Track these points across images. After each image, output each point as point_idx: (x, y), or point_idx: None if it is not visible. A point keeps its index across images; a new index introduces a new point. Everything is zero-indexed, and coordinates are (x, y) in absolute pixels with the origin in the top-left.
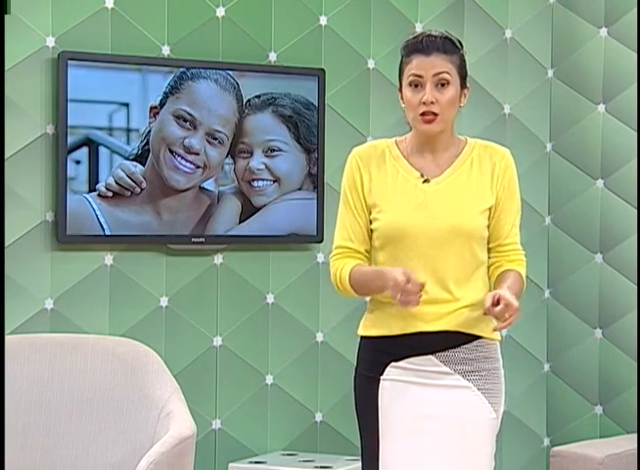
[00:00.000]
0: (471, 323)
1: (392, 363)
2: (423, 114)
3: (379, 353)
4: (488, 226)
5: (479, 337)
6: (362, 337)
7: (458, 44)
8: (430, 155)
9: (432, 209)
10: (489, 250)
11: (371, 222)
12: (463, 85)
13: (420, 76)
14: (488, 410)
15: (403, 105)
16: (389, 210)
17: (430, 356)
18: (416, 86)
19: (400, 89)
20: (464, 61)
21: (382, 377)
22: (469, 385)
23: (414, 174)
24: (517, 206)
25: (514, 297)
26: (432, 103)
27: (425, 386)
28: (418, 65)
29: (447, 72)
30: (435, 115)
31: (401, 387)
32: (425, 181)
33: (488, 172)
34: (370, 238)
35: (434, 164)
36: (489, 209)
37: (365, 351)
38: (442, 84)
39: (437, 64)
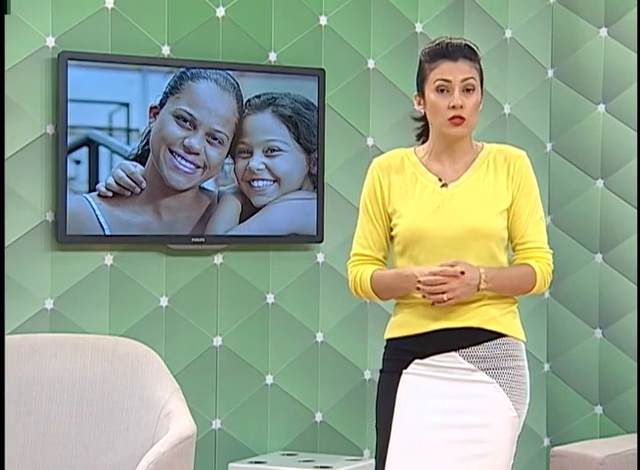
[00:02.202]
0: (493, 320)
1: (417, 360)
2: (452, 118)
3: (403, 352)
4: (508, 227)
5: (502, 335)
6: (387, 340)
7: (477, 52)
8: (448, 160)
9: (449, 211)
10: (512, 250)
11: (392, 229)
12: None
13: (448, 81)
14: (509, 407)
15: (422, 110)
16: (408, 214)
17: (453, 353)
18: (442, 91)
19: (421, 95)
20: (482, 68)
21: (404, 371)
22: (492, 381)
23: (432, 179)
24: (534, 206)
25: (467, 271)
26: (461, 107)
27: (446, 380)
28: (446, 70)
29: (473, 78)
30: (463, 119)
31: (422, 381)
32: (443, 186)
33: (504, 173)
34: (388, 245)
35: (452, 170)
36: (507, 209)
37: (389, 351)
38: (468, 89)
39: (465, 69)
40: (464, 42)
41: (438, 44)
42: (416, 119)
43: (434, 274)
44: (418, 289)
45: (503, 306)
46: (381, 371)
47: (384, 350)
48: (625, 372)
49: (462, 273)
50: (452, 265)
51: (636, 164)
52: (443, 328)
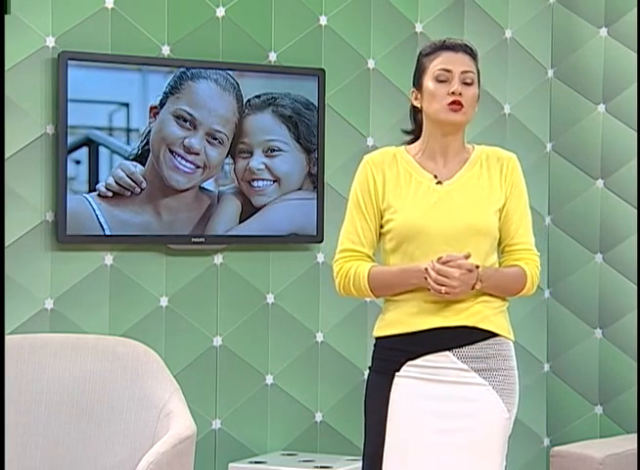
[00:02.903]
0: (487, 320)
1: (409, 362)
2: (451, 103)
3: (395, 352)
4: (499, 227)
5: (495, 334)
6: (377, 338)
7: (476, 52)
8: (441, 159)
9: (446, 208)
10: (501, 251)
11: (382, 226)
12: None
13: (448, 71)
14: (502, 409)
15: (419, 104)
16: (404, 209)
17: (447, 353)
18: (441, 81)
19: (419, 88)
20: (479, 70)
21: (397, 374)
22: (484, 383)
23: (427, 176)
24: (524, 207)
25: (469, 272)
26: (460, 94)
27: (440, 382)
28: (446, 59)
29: (472, 73)
30: (461, 106)
31: (415, 383)
32: (438, 183)
33: (497, 173)
34: (377, 242)
35: (446, 168)
36: (500, 209)
37: (380, 350)
38: (467, 83)
39: (465, 62)
40: (465, 42)
41: (439, 40)
42: (407, 132)
43: (449, 261)
44: (426, 270)
45: (496, 306)
46: (370, 369)
47: (373, 347)
48: (625, 372)
49: (477, 267)
50: (467, 257)
51: (636, 164)
52: (437, 327)
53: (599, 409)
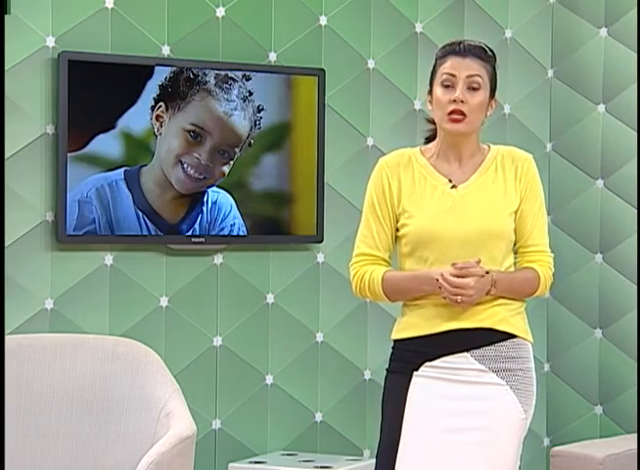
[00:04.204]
0: (505, 321)
1: (427, 363)
2: (451, 112)
3: (413, 354)
4: (514, 230)
5: (513, 336)
6: (395, 340)
7: (492, 55)
8: (456, 162)
9: (461, 212)
10: (515, 252)
11: (398, 230)
12: (492, 96)
13: (453, 76)
14: (518, 410)
15: (431, 107)
16: (419, 214)
17: (465, 354)
18: (447, 86)
19: (430, 92)
20: (495, 72)
21: (415, 373)
22: (502, 383)
23: (441, 180)
24: (539, 209)
25: (478, 279)
26: (461, 102)
27: (458, 383)
28: (452, 64)
29: (480, 76)
30: (464, 115)
31: (433, 383)
32: (452, 187)
33: (512, 175)
34: (393, 246)
35: (460, 171)
36: (514, 211)
37: (398, 352)
38: (474, 88)
39: (472, 66)
40: (480, 44)
41: (452, 44)
42: (430, 122)
43: (461, 269)
44: (437, 280)
45: (513, 308)
46: (388, 370)
47: (391, 350)
48: (625, 372)
49: (487, 272)
50: (478, 262)
51: (636, 164)
52: (455, 329)
53: (599, 409)
